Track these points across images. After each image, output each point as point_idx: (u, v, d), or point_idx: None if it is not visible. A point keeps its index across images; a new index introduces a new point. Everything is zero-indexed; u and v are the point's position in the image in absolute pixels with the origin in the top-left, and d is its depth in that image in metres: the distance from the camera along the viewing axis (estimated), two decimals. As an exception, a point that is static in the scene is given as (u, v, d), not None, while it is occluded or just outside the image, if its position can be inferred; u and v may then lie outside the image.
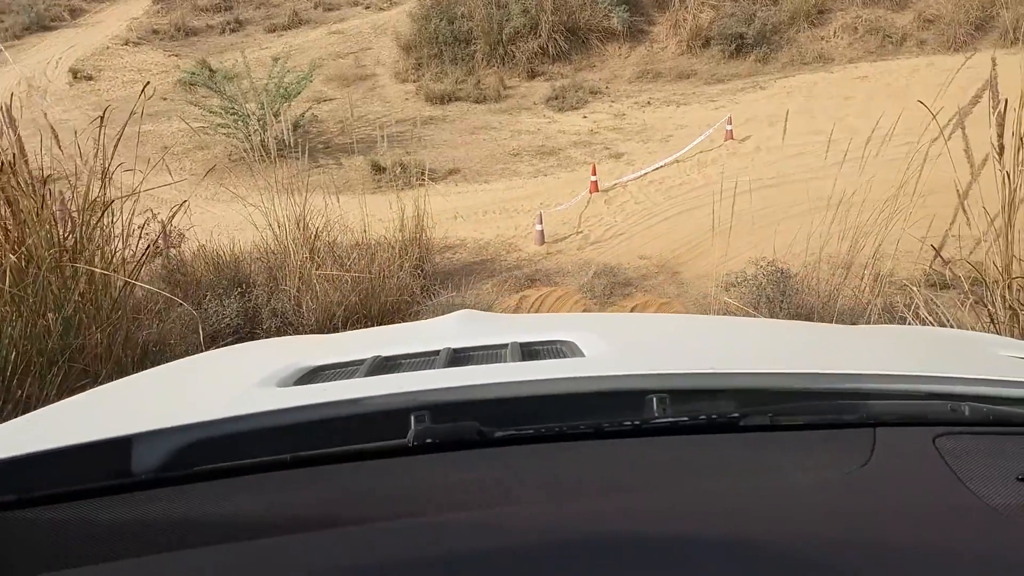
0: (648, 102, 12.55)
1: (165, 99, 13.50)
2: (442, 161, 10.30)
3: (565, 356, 1.10)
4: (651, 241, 7.64)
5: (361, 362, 1.11)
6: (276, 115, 10.27)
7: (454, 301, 5.30)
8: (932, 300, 3.63)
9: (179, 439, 0.83)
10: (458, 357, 1.11)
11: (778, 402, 0.90)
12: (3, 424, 1.03)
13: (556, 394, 0.90)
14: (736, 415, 0.86)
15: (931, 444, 0.83)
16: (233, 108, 10.26)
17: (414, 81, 14.02)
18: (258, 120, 10.17)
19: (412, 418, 0.82)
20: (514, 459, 0.82)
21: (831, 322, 4.39)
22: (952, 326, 3.40)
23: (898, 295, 4.64)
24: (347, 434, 0.84)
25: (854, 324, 4.40)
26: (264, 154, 6.06)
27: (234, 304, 4.25)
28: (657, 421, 0.85)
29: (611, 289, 6.52)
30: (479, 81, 13.60)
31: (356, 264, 4.46)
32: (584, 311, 6.11)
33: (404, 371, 1.09)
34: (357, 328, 4.26)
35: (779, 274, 4.93)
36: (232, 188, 7.51)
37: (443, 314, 5.18)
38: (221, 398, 1.05)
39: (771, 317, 4.60)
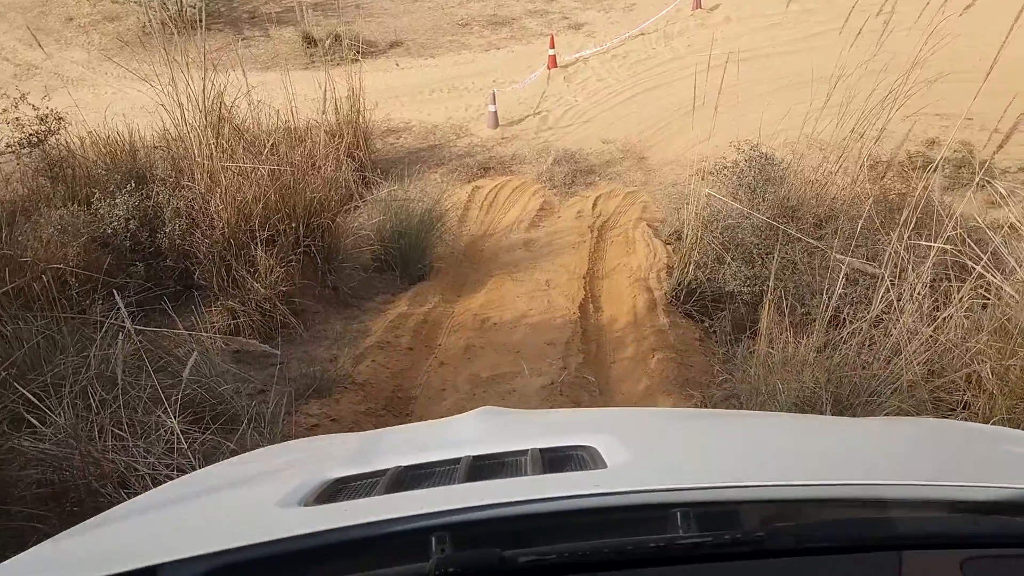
0: (609, -34, 11.49)
1: (65, -39, 11.90)
2: (382, 32, 9.28)
3: (586, 465, 1.10)
4: (615, 123, 6.97)
5: (382, 473, 1.14)
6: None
7: (397, 195, 4.65)
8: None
9: (205, 566, 0.84)
10: (478, 467, 1.13)
11: (804, 507, 0.92)
12: (24, 553, 1.04)
13: (578, 509, 0.90)
14: (761, 535, 0.84)
15: (958, 570, 0.82)
16: (142, -30, 8.97)
17: (350, -59, 12.60)
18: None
19: (433, 540, 0.84)
20: None
21: (824, 215, 3.90)
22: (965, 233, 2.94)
23: (897, 182, 4.16)
24: (370, 557, 0.86)
25: (846, 213, 3.92)
26: (179, 25, 5.18)
27: (128, 202, 3.55)
28: (681, 541, 0.84)
29: (572, 177, 5.91)
30: (423, -59, 12.26)
31: (276, 153, 3.75)
32: (543, 203, 5.53)
33: (425, 484, 1.10)
34: (278, 229, 3.62)
35: (762, 159, 4.37)
36: (136, 65, 6.54)
37: (382, 208, 4.60)
38: (245, 518, 1.07)
39: (753, 208, 4.09)
